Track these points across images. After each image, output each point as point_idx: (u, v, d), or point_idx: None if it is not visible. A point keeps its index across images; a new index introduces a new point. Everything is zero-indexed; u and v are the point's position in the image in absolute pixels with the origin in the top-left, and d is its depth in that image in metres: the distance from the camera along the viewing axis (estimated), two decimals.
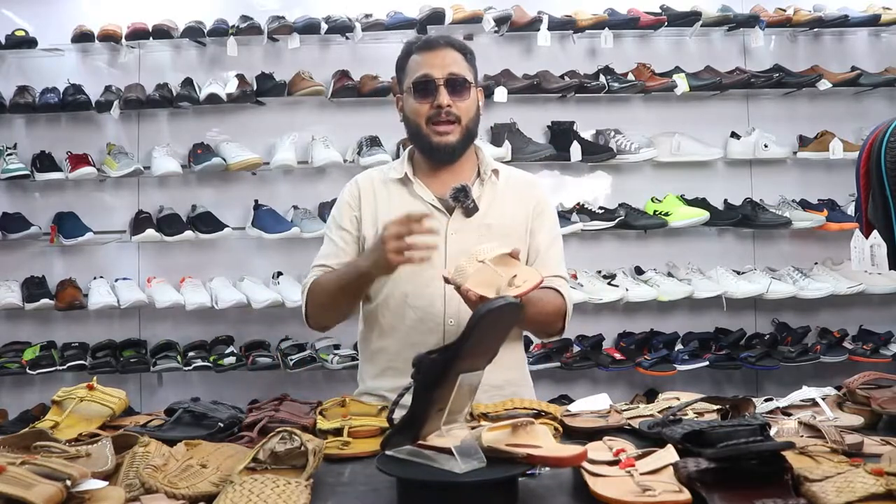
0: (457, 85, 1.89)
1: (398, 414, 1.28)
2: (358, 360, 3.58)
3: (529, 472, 1.21)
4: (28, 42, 3.50)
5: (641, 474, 1.15)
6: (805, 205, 3.70)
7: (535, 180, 2.11)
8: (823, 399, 1.60)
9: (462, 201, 1.89)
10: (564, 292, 1.94)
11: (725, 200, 3.73)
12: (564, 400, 3.34)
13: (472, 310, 1.46)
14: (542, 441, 1.24)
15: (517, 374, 2.01)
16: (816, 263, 3.71)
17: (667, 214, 3.58)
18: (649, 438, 1.42)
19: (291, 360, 3.42)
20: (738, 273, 3.66)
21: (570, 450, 1.20)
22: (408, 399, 1.26)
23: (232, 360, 3.44)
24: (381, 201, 1.99)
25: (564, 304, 1.93)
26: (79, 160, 3.48)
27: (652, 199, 3.68)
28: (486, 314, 1.22)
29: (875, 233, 1.67)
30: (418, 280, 1.89)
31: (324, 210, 3.57)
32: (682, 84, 3.61)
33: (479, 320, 1.22)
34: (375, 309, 1.98)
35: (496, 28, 3.60)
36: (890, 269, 1.68)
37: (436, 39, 1.96)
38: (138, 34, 3.50)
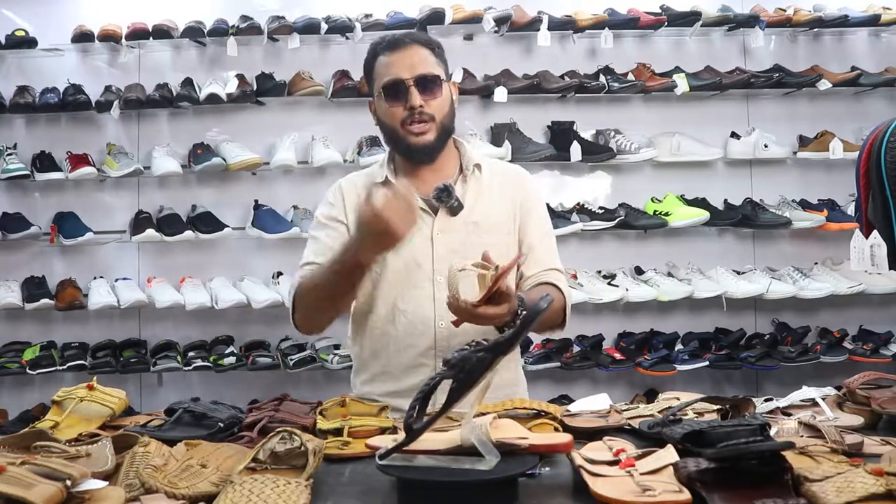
0: (427, 84, 1.84)
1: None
2: None
3: (529, 471, 1.21)
4: (28, 42, 3.50)
5: (641, 474, 1.15)
6: (805, 205, 3.70)
7: (522, 173, 2.05)
8: (823, 399, 1.60)
9: (445, 201, 1.83)
10: (562, 286, 1.91)
11: (725, 200, 3.73)
12: (564, 400, 3.34)
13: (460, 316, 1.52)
14: (521, 433, 1.26)
15: (512, 374, 1.99)
16: (816, 263, 3.71)
17: (667, 214, 3.58)
18: (649, 438, 1.42)
19: (291, 360, 3.42)
20: (738, 273, 3.66)
21: (558, 437, 1.24)
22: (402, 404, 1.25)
23: (232, 360, 3.44)
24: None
25: (563, 298, 1.89)
26: (79, 160, 3.48)
27: (652, 199, 3.68)
28: (540, 312, 1.23)
29: (875, 233, 1.67)
30: (407, 283, 1.88)
31: None
32: (682, 84, 3.61)
33: (535, 317, 1.23)
34: (366, 314, 1.94)
35: (496, 28, 3.60)
36: (890, 269, 1.68)
37: (401, 38, 1.90)
38: (138, 34, 3.50)
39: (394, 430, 1.46)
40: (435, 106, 1.86)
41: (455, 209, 1.86)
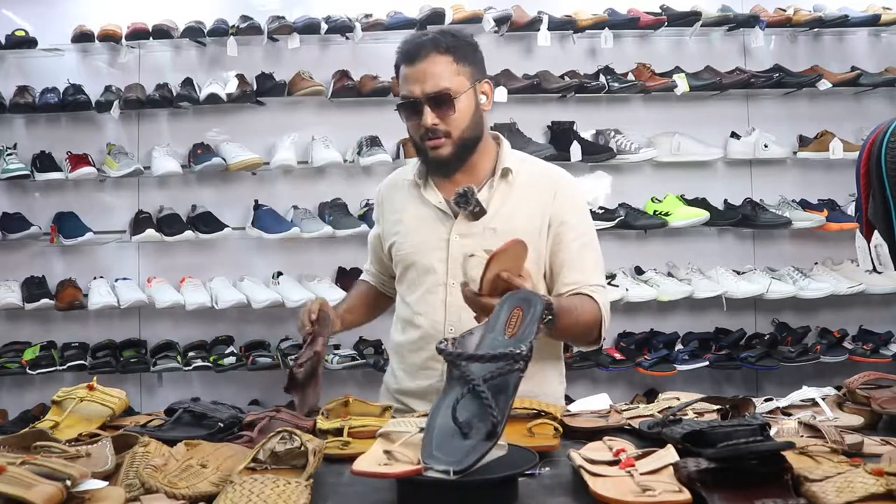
0: (440, 101, 1.78)
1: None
2: (358, 360, 3.60)
3: (529, 471, 1.21)
4: (28, 42, 3.50)
5: (641, 474, 1.15)
6: (805, 205, 3.70)
7: (559, 179, 1.94)
8: (823, 399, 1.60)
9: (464, 206, 1.78)
10: (599, 299, 1.85)
11: (725, 200, 3.73)
12: (564, 400, 3.34)
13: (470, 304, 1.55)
14: None
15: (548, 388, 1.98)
16: (816, 263, 3.71)
17: (667, 214, 3.58)
18: (649, 438, 1.42)
19: (291, 360, 3.41)
20: (738, 273, 3.66)
21: None
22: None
23: (232, 360, 3.44)
24: (396, 203, 1.99)
25: (599, 311, 1.84)
26: (79, 160, 3.48)
27: (652, 199, 3.68)
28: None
29: (877, 233, 1.67)
30: (423, 287, 1.90)
31: (324, 210, 3.57)
32: (682, 84, 3.61)
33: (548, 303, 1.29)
34: (396, 313, 2.04)
35: (496, 28, 3.60)
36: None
37: (416, 49, 1.81)
38: (138, 34, 3.50)
39: None
40: (451, 121, 1.80)
41: (476, 214, 1.81)
